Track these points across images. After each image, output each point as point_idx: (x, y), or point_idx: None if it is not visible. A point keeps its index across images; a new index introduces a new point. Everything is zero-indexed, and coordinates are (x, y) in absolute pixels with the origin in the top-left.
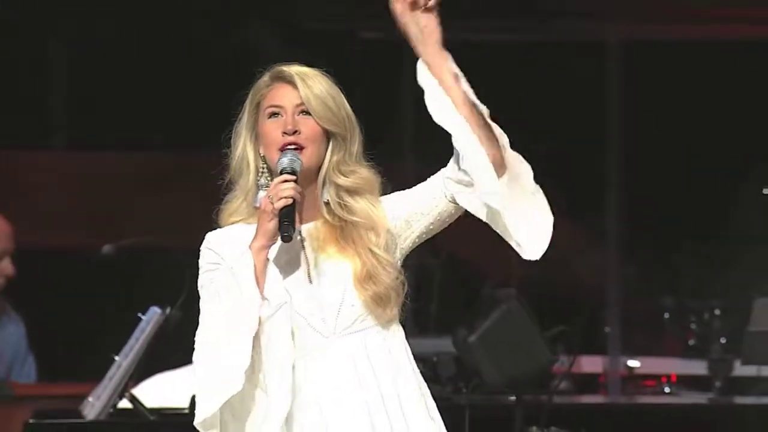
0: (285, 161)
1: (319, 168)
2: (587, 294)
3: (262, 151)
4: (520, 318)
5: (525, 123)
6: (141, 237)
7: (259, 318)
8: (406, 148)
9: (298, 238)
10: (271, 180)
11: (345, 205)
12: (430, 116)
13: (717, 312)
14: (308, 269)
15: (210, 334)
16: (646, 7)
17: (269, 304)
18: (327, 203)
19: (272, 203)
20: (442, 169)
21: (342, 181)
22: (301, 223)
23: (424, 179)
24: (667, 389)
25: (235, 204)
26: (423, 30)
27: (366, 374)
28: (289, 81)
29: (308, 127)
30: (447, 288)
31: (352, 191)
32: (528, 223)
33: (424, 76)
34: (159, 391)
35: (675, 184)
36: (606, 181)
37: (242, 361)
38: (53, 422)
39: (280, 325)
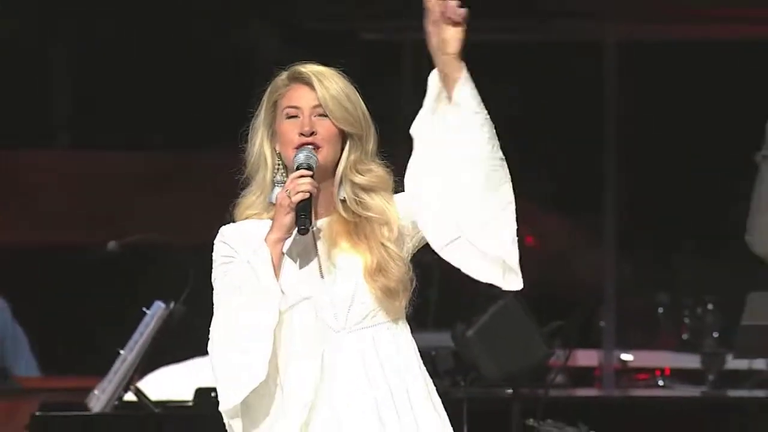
0: (301, 157)
1: (335, 166)
2: (583, 290)
3: (278, 149)
4: (517, 313)
5: (524, 123)
6: (145, 234)
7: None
8: (405, 148)
9: (313, 230)
10: (287, 176)
11: (361, 201)
12: None
13: (710, 307)
14: (320, 264)
15: (229, 326)
16: (645, 8)
17: (286, 298)
18: (343, 200)
19: (289, 197)
20: None
21: (359, 179)
22: (316, 218)
23: None
24: (660, 382)
25: (251, 198)
26: (444, 41)
27: (375, 370)
28: (307, 82)
29: (325, 128)
30: (445, 284)
31: (368, 189)
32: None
33: (431, 85)
34: (163, 384)
35: (670, 184)
36: (604, 180)
37: (265, 352)
38: (59, 415)
39: (303, 319)
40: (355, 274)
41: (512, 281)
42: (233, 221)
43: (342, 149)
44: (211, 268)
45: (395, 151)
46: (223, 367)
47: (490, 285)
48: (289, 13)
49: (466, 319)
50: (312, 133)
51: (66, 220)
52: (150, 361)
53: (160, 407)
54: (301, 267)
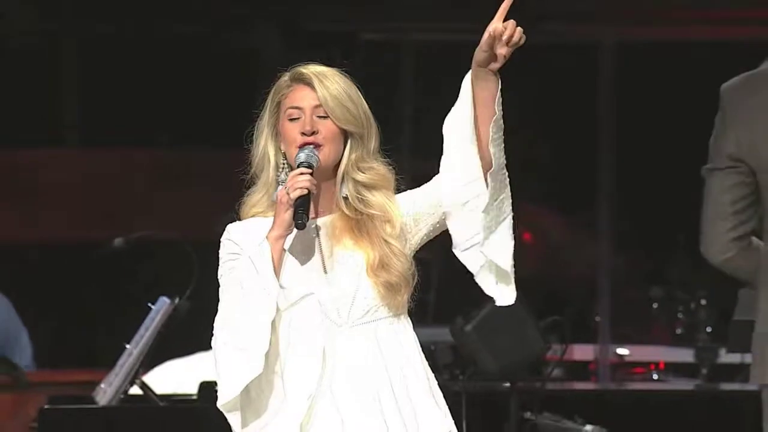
0: (302, 156)
1: (337, 164)
2: (579, 285)
3: (282, 148)
4: (515, 308)
5: (522, 122)
6: (150, 230)
7: (278, 306)
8: (405, 147)
9: (313, 227)
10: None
11: (363, 199)
12: (428, 117)
13: (703, 302)
14: (323, 260)
15: (230, 320)
16: (640, 10)
17: (288, 293)
18: (345, 198)
19: (288, 194)
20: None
21: (360, 177)
22: (318, 216)
23: (422, 178)
24: (655, 376)
25: (256, 197)
26: (495, 56)
27: (377, 364)
28: (308, 83)
29: (326, 128)
30: (444, 280)
31: (370, 186)
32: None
33: (464, 89)
34: (168, 378)
35: (664, 181)
36: (599, 178)
37: (262, 347)
38: (67, 408)
39: (307, 313)
40: (357, 270)
41: (508, 295)
42: (239, 218)
43: (344, 148)
44: (216, 264)
45: (396, 151)
46: (222, 362)
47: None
48: (292, 15)
49: (464, 314)
50: (313, 133)
51: (74, 217)
52: (155, 356)
53: (165, 400)
54: (304, 263)
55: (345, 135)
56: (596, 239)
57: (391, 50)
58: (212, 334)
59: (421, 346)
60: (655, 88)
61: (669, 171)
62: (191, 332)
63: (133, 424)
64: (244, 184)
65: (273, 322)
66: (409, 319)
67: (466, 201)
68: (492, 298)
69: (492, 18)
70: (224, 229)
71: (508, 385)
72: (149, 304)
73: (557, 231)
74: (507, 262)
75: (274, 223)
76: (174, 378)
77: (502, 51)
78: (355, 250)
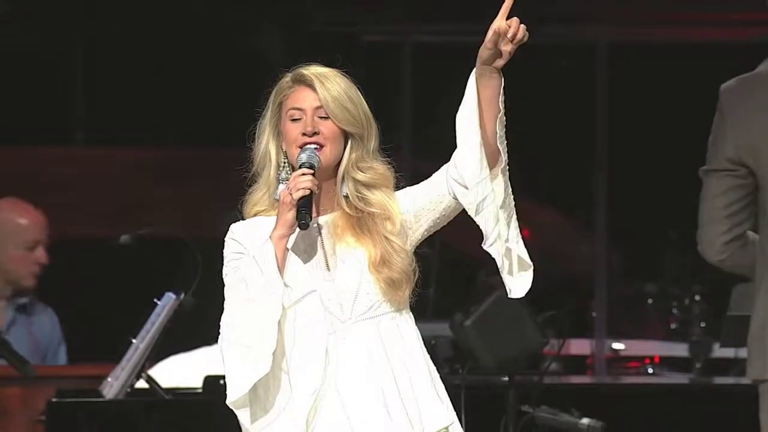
0: (304, 157)
1: (338, 164)
2: (576, 281)
3: (283, 147)
4: (512, 303)
5: (522, 122)
6: (156, 227)
7: (282, 305)
8: (405, 148)
9: (315, 225)
10: (291, 174)
11: (363, 197)
12: (427, 117)
13: (697, 298)
14: (326, 257)
15: (236, 320)
16: (635, 11)
17: (292, 292)
18: (346, 196)
19: (291, 194)
20: (445, 166)
21: (360, 176)
22: (319, 214)
23: (422, 178)
24: (650, 370)
25: (258, 195)
26: (500, 53)
27: (380, 358)
28: (309, 84)
29: (327, 128)
30: (444, 276)
31: (370, 185)
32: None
33: (470, 84)
34: (173, 372)
35: (658, 180)
36: (595, 177)
37: (269, 346)
38: (74, 401)
39: (310, 311)
40: (359, 267)
41: (527, 284)
42: (242, 217)
43: (344, 148)
44: (220, 260)
45: (396, 151)
46: (230, 361)
47: (488, 277)
48: (296, 16)
49: (463, 309)
50: (315, 133)
51: (81, 213)
52: (161, 350)
53: (171, 394)
54: (307, 262)
55: (345, 135)
56: (593, 237)
57: (391, 52)
58: (218, 332)
59: (423, 340)
60: (651, 89)
61: (663, 170)
62: (196, 327)
63: (140, 417)
64: (246, 182)
65: (278, 321)
66: (410, 313)
67: (484, 197)
68: (491, 294)
69: (492, 18)
70: (228, 229)
71: (506, 378)
72: (155, 300)
73: (555, 229)
74: (526, 253)
75: (277, 222)
76: (179, 372)
77: (506, 48)
78: (357, 247)
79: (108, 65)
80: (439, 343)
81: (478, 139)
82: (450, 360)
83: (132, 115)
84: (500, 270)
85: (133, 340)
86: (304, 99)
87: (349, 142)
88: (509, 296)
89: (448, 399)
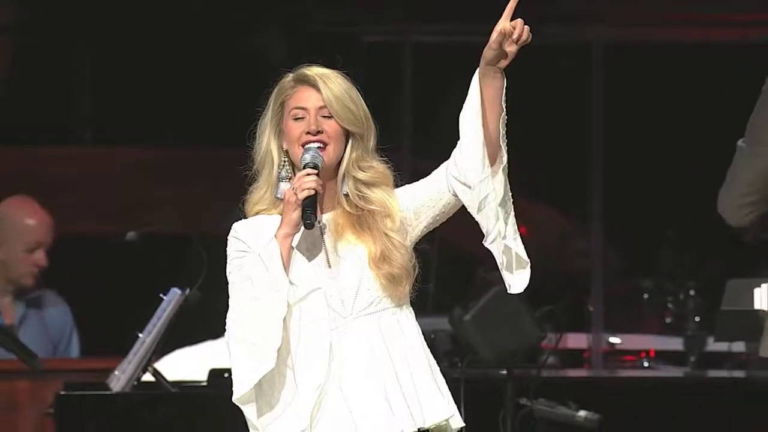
0: (308, 157)
1: (339, 163)
2: (573, 276)
3: (285, 146)
4: (511, 298)
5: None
6: (161, 224)
7: (288, 302)
8: (405, 148)
9: (318, 224)
10: (292, 173)
11: (363, 196)
12: (427, 117)
13: (692, 293)
14: (327, 255)
15: (243, 317)
16: (631, 11)
17: (296, 289)
18: (346, 195)
19: (296, 194)
20: (445, 164)
21: (361, 175)
22: (321, 212)
23: (422, 177)
24: (645, 364)
25: (259, 194)
26: (505, 53)
27: (381, 353)
28: (312, 84)
29: (330, 127)
30: (444, 271)
31: (370, 183)
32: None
33: (474, 84)
34: (179, 366)
35: (654, 176)
36: (591, 173)
37: (274, 342)
38: (82, 394)
39: (315, 308)
40: (360, 263)
41: (525, 281)
42: (243, 215)
43: (345, 147)
44: (225, 257)
45: (396, 151)
46: (236, 358)
47: (486, 273)
48: (297, 17)
49: (462, 304)
50: (318, 132)
51: (88, 212)
52: (167, 344)
53: (177, 387)
54: (310, 259)
55: (346, 134)
56: (589, 234)
57: (391, 52)
58: (224, 328)
59: (423, 335)
60: (648, 88)
61: (659, 168)
62: (201, 321)
63: (146, 410)
64: (247, 181)
65: (284, 318)
66: (411, 309)
67: (486, 195)
68: (489, 290)
69: (492, 18)
70: (231, 227)
71: (504, 372)
72: (161, 295)
73: (553, 226)
74: (523, 250)
75: (282, 222)
76: (185, 365)
77: (510, 49)
78: (358, 244)
79: (108, 65)
80: (439, 337)
81: (481, 139)
82: (449, 354)
83: (132, 114)
84: (499, 266)
85: (140, 335)
86: (307, 98)
87: (350, 142)
88: (509, 292)
89: (449, 392)
